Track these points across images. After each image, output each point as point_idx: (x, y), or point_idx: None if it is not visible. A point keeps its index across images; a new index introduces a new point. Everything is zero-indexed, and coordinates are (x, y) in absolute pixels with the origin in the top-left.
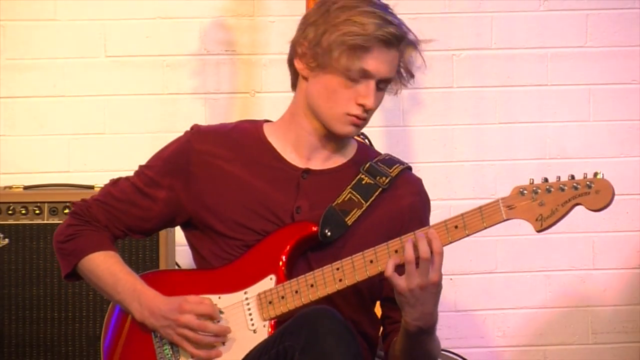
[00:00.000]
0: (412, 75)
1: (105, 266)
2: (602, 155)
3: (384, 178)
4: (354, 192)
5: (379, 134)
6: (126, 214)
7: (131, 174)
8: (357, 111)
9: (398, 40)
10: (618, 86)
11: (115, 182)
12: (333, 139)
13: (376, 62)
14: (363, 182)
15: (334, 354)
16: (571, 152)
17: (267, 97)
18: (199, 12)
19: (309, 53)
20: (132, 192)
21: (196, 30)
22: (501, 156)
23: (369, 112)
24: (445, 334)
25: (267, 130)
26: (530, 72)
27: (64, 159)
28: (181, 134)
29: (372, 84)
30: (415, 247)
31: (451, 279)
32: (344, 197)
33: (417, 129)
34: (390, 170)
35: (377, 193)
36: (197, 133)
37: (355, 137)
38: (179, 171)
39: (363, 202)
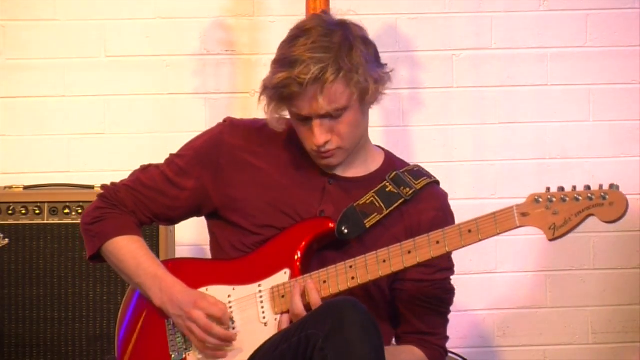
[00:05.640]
0: (363, 87)
1: (128, 250)
2: (602, 155)
3: (407, 189)
4: (376, 197)
5: (379, 134)
6: (153, 201)
7: (151, 163)
8: (315, 148)
9: (300, 86)
10: (618, 86)
11: (145, 169)
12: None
13: (301, 105)
14: (387, 189)
15: (357, 344)
16: (571, 152)
17: None
18: (199, 12)
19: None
20: (160, 180)
21: (196, 30)
22: (501, 156)
23: (331, 143)
24: None
25: None
26: (530, 72)
27: (64, 159)
28: (181, 133)
29: (313, 123)
30: (292, 301)
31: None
32: (366, 199)
33: (417, 129)
34: (416, 183)
35: (398, 203)
36: (229, 126)
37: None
38: (208, 163)
39: (384, 208)
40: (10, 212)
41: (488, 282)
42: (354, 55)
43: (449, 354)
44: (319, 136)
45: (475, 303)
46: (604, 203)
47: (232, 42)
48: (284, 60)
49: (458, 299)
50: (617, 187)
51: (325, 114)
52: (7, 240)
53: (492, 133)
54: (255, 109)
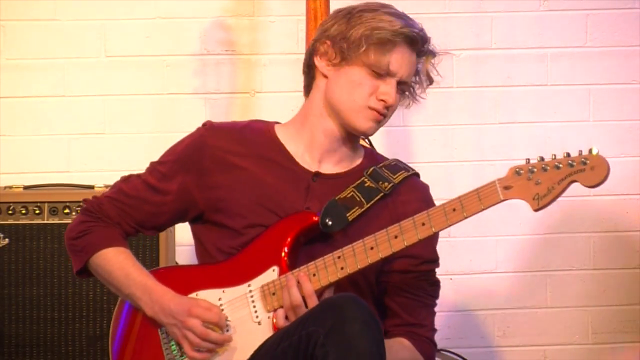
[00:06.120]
0: (430, 82)
1: (116, 261)
2: (602, 155)
3: (386, 184)
4: (356, 192)
5: (379, 134)
6: (137, 210)
7: (131, 173)
8: (379, 106)
9: (422, 41)
10: (618, 86)
11: (126, 179)
12: (345, 143)
13: (399, 60)
14: (365, 184)
15: (358, 339)
16: (571, 152)
17: (267, 97)
18: (199, 12)
19: (333, 49)
20: (143, 189)
21: (196, 30)
22: (501, 156)
23: (389, 109)
24: (445, 334)
25: (279, 131)
26: (530, 72)
27: (64, 159)
28: (181, 133)
29: (394, 81)
30: (288, 294)
31: (451, 279)
32: (346, 194)
33: (417, 129)
34: (394, 177)
35: (378, 197)
36: (210, 129)
37: (361, 142)
38: (191, 166)
39: (364, 202)
40: (10, 212)
41: (488, 282)
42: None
43: (449, 354)
44: (394, 95)
45: (475, 303)
46: (585, 168)
47: (232, 42)
48: (399, 15)
49: (458, 298)
50: (597, 151)
51: (405, 80)
52: (7, 240)
53: (492, 133)
54: (256, 109)
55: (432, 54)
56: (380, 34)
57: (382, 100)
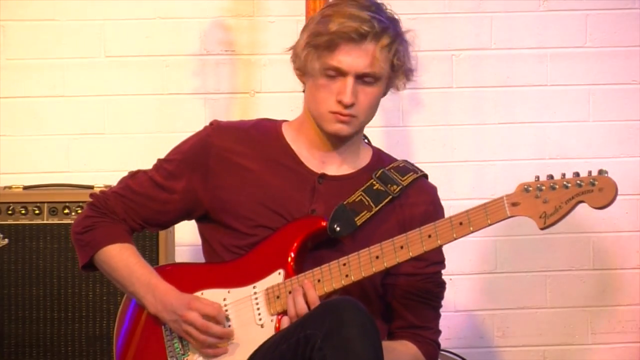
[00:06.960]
0: (401, 66)
1: (121, 258)
2: (602, 155)
3: (395, 186)
4: (364, 195)
5: (378, 134)
6: (143, 207)
7: (139, 169)
8: (338, 108)
9: (361, 36)
10: (618, 86)
11: (133, 175)
12: (341, 143)
13: (347, 58)
14: (374, 187)
15: (356, 343)
16: (571, 152)
17: (267, 97)
18: (199, 12)
19: (298, 63)
20: (149, 186)
21: (196, 30)
22: (501, 156)
23: (352, 108)
24: (445, 334)
25: (286, 131)
26: (530, 72)
27: (64, 159)
28: (180, 134)
29: (348, 80)
30: (293, 302)
31: (451, 279)
32: (354, 198)
33: (417, 129)
34: (403, 179)
35: (387, 200)
36: (217, 128)
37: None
38: (197, 166)
39: (373, 206)
40: (10, 212)
41: (488, 282)
42: (404, 31)
43: (449, 354)
44: (350, 94)
45: (475, 303)
46: (593, 189)
47: (232, 42)
48: (341, 13)
49: (458, 299)
50: (606, 173)
51: (364, 74)
52: (6, 241)
53: (492, 133)
54: (256, 109)
55: (387, 35)
56: (315, 41)
57: (339, 101)
